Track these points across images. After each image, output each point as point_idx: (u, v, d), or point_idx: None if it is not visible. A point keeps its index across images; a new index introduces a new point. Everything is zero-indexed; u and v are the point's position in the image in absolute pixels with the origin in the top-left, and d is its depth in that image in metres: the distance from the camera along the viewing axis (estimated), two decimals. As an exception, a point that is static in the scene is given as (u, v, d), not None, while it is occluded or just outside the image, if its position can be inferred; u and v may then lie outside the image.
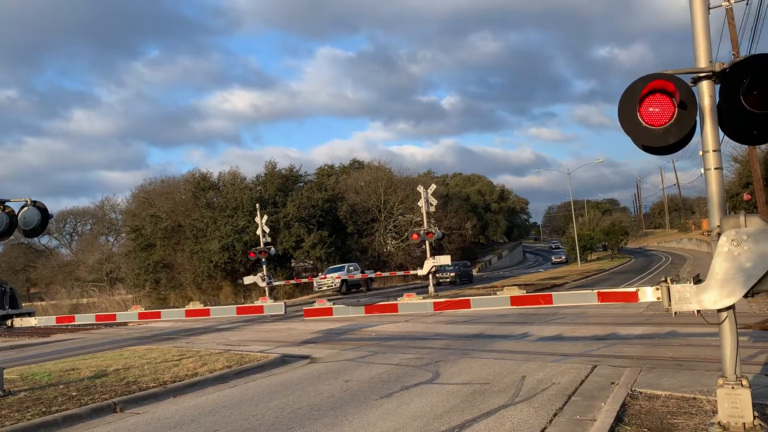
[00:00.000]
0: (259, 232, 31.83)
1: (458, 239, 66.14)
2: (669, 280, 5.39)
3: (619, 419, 6.12)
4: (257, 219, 32.06)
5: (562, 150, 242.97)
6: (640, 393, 7.14)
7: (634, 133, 5.31)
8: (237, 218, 46.06)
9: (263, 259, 31.21)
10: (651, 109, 5.12)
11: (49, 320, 12.29)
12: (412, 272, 34.42)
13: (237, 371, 10.69)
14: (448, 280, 44.57)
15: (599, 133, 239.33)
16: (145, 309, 11.03)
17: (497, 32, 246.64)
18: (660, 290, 5.43)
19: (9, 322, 9.90)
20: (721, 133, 5.44)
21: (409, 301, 7.35)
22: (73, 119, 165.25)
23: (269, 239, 32.96)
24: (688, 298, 5.16)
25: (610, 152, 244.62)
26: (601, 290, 6.12)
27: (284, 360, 11.91)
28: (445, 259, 30.08)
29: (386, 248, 57.13)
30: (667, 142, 5.20)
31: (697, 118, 5.23)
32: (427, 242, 29.69)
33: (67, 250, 75.42)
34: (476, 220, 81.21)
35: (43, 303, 55.13)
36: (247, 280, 32.65)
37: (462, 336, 14.36)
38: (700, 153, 5.25)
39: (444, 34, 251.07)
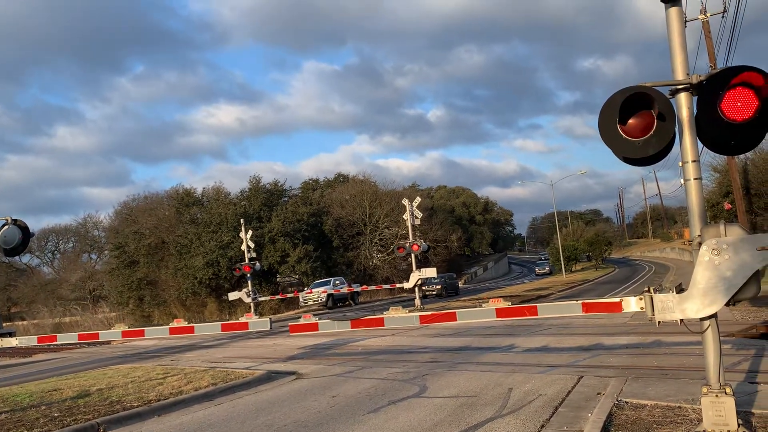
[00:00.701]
0: (243, 247, 31.66)
1: (444, 251, 66.25)
2: (652, 290, 5.44)
3: (605, 430, 6.14)
4: (242, 234, 31.90)
5: (547, 161, 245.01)
6: (626, 403, 7.16)
7: (614, 144, 5.38)
8: (221, 234, 45.82)
9: (248, 275, 31.03)
10: (631, 120, 5.19)
11: (30, 340, 12.09)
12: (398, 285, 34.33)
13: (222, 389, 10.59)
14: (434, 292, 44.61)
15: (583, 143, 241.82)
16: (129, 327, 10.90)
17: (483, 45, 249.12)
18: (643, 300, 5.48)
19: (-11, 343, 9.73)
20: (701, 144, 5.54)
21: (395, 314, 7.33)
22: (57, 136, 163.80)
23: (254, 254, 32.78)
24: (671, 307, 5.21)
25: (594, 163, 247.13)
26: (586, 301, 6.16)
27: (270, 376, 11.81)
28: (431, 272, 30.09)
29: (372, 261, 57.10)
30: (647, 153, 5.28)
31: (676, 130, 5.32)
32: (412, 255, 29.69)
33: (49, 268, 74.56)
34: (461, 232, 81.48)
35: (25, 322, 54.30)
36: (232, 296, 32.40)
37: (449, 349, 14.35)
38: (680, 164, 5.33)
39: (430, 47, 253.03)
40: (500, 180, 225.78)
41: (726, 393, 5.14)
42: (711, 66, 26.39)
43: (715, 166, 38.63)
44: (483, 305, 6.91)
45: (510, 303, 6.75)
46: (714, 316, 5.17)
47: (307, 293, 39.51)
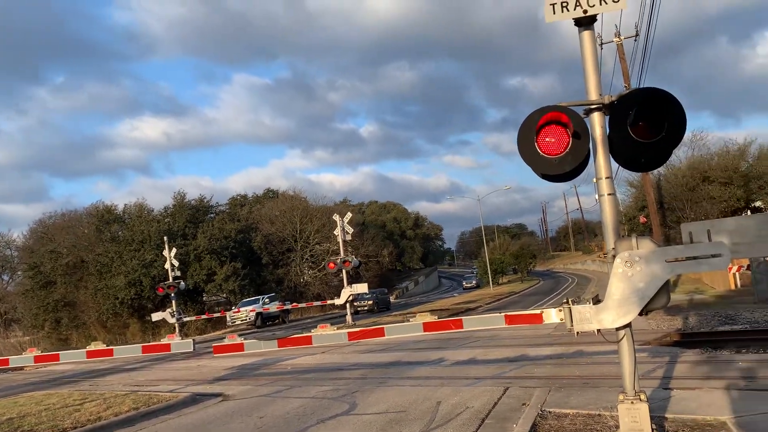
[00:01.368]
0: (167, 265, 30.68)
1: (375, 267, 66.43)
2: (571, 302, 5.62)
3: (530, 440, 6.28)
4: (165, 252, 30.92)
5: (476, 176, 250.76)
6: (550, 413, 7.35)
7: (533, 162, 5.56)
8: (144, 252, 44.26)
9: (172, 294, 30.05)
10: (547, 139, 5.38)
11: (-69, 369, 11.26)
12: (329, 302, 34.13)
13: (144, 413, 10.16)
14: (366, 308, 44.56)
15: (510, 159, 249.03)
16: (43, 351, 10.33)
17: (414, 62, 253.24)
18: (563, 312, 5.65)
19: None
20: (615, 161, 5.81)
21: (323, 332, 7.27)
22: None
23: (179, 273, 31.81)
24: (588, 318, 5.38)
25: (520, 178, 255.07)
26: (508, 313, 6.31)
27: (195, 399, 11.44)
28: (362, 288, 30.07)
29: (303, 278, 56.54)
30: (563, 170, 5.48)
31: (591, 147, 5.56)
32: (344, 271, 29.61)
33: (-45, 291, 69.68)
34: (392, 247, 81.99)
35: (-73, 350, 50.44)
36: (156, 316, 31.29)
37: (379, 364, 14.34)
38: (594, 180, 5.56)
39: (363, 63, 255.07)
40: (431, 195, 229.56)
41: (641, 399, 5.35)
42: (626, 86, 27.85)
43: (632, 181, 40.64)
44: (411, 320, 6.97)
45: (437, 317, 6.83)
46: (628, 325, 5.38)
47: (234, 312, 38.65)
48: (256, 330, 36.73)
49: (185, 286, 33.52)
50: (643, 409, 5.31)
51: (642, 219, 35.48)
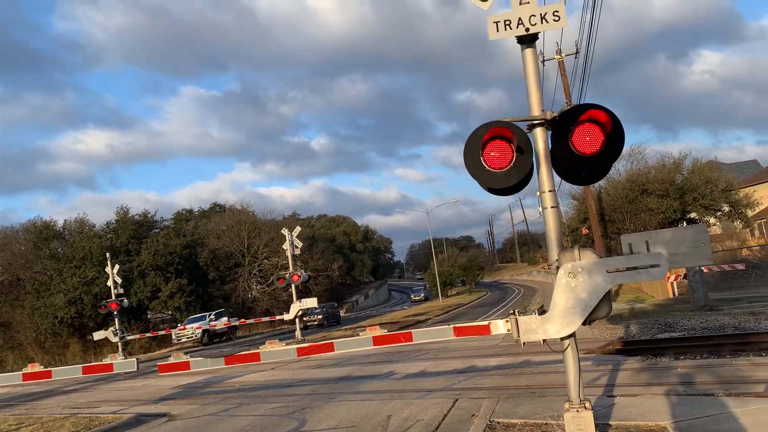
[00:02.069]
0: (110, 283, 29.73)
1: (325, 281, 66.04)
2: (517, 313, 5.72)
3: (479, 451, 6.33)
4: (108, 269, 29.97)
5: (426, 189, 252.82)
6: (498, 423, 7.44)
7: (479, 175, 5.67)
8: (85, 269, 42.77)
9: (115, 312, 29.13)
10: (492, 153, 5.49)
11: None
12: (278, 317, 33.68)
13: (85, 437, 9.78)
14: (315, 322, 44.22)
15: (459, 172, 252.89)
16: (-26, 376, 9.83)
17: (366, 75, 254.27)
18: (510, 322, 5.75)
19: None
20: (557, 175, 5.97)
21: (271, 348, 7.18)
22: None
23: (122, 290, 30.88)
24: (534, 328, 5.49)
25: (469, 191, 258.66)
26: (457, 325, 6.37)
27: (139, 420, 11.08)
28: (311, 302, 29.82)
29: (251, 294, 55.69)
30: (508, 183, 5.61)
31: (534, 162, 5.71)
32: (293, 286, 29.31)
33: None
34: (342, 260, 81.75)
35: None
36: (97, 335, 30.21)
37: (329, 380, 14.23)
38: (537, 193, 5.71)
39: (314, 75, 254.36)
40: (382, 208, 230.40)
41: (586, 408, 5.48)
42: (567, 102, 28.66)
43: (574, 194, 41.76)
44: (360, 334, 6.95)
45: (386, 330, 6.84)
46: (573, 335, 5.51)
47: (180, 330, 37.70)
48: (203, 347, 35.94)
49: (129, 303, 32.55)
50: (588, 417, 5.44)
51: (584, 230, 36.49)
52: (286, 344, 7.61)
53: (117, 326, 29.09)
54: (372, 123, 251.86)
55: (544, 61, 31.52)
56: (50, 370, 9.23)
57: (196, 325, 37.73)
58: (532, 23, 5.61)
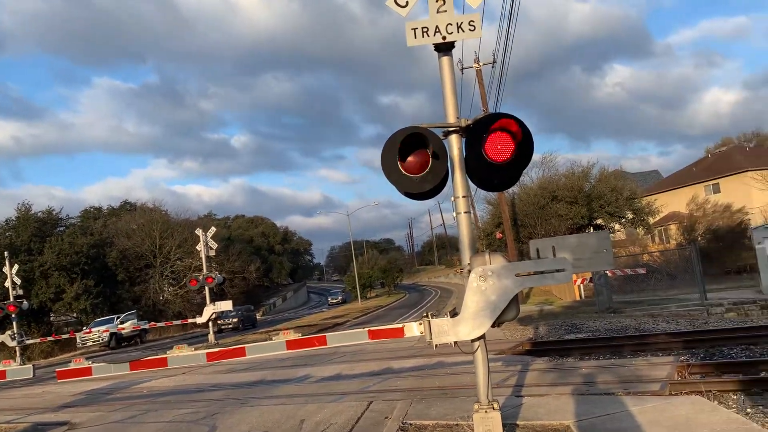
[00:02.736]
0: (8, 283, 27.89)
1: (241, 283, 64.73)
2: (430, 315, 5.80)
3: (391, 453, 6.37)
4: (6, 269, 28.12)
5: (350, 191, 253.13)
6: (410, 424, 7.52)
7: (396, 180, 5.71)
8: (-20, 269, 39.99)
9: (13, 315, 27.33)
10: (409, 159, 5.56)
11: None
12: (191, 320, 32.69)
13: (-27, 450, 9.12)
14: (231, 326, 43.26)
15: (383, 175, 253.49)
16: None
17: (292, 73, 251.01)
18: (423, 325, 5.81)
19: None
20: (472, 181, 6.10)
21: (179, 353, 6.94)
22: None
23: (21, 291, 29.04)
24: (446, 330, 5.57)
25: (392, 194, 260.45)
26: (372, 328, 6.39)
27: (36, 429, 10.46)
28: (226, 305, 29.11)
29: (163, 296, 53.81)
30: (423, 189, 5.68)
31: (449, 168, 5.81)
32: (207, 288, 28.54)
33: None
34: (260, 262, 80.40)
35: None
36: (-7, 340, 28.29)
37: (242, 384, 13.94)
38: (452, 199, 5.81)
39: (238, 71, 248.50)
40: (304, 209, 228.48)
41: (494, 408, 5.61)
42: (483, 110, 29.49)
43: (489, 199, 42.99)
44: (274, 338, 6.84)
45: (300, 334, 6.76)
46: (483, 337, 5.64)
47: (85, 333, 35.94)
48: (110, 351, 34.39)
49: (29, 305, 30.64)
50: (496, 417, 5.58)
51: (498, 235, 37.61)
52: (195, 349, 7.38)
53: (15, 330, 27.30)
54: (296, 122, 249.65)
55: (462, 69, 32.30)
56: (-66, 379, 8.54)
57: (103, 328, 36.12)
58: (449, 32, 5.71)
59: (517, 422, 7.09)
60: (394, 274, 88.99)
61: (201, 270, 30.24)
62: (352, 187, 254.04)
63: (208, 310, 27.70)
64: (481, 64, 31.57)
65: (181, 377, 16.33)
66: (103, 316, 40.74)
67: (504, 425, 5.71)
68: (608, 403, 7.67)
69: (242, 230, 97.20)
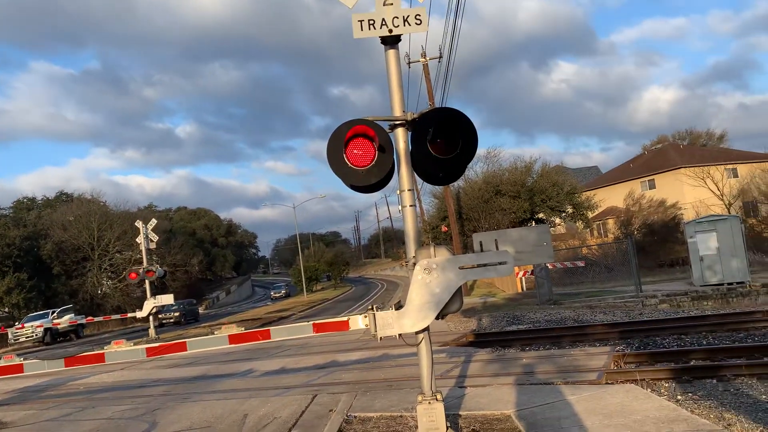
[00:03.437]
0: (-67, 278, 26.54)
1: (183, 276, 63.41)
2: (375, 308, 5.81)
3: (335, 446, 6.37)
4: (-69, 262, 26.73)
5: (297, 183, 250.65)
6: (355, 417, 7.54)
7: (342, 173, 5.68)
8: None
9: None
10: (355, 151, 5.54)
11: None
12: (131, 315, 31.82)
13: None
14: (172, 320, 42.38)
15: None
16: None
17: (240, 62, 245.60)
18: (368, 318, 5.82)
19: None
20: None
21: (118, 348, 6.75)
22: None
23: (-52, 286, 27.67)
24: (390, 323, 5.59)
25: (340, 187, 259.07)
26: (316, 321, 6.36)
27: (-37, 431, 9.97)
28: (167, 299, 28.51)
29: (101, 290, 52.19)
30: (369, 181, 5.67)
31: (395, 161, 5.82)
32: (147, 281, 27.83)
33: None
34: (203, 255, 78.96)
35: None
36: None
37: (184, 379, 13.67)
38: (398, 192, 5.83)
39: (183, 58, 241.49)
40: (250, 201, 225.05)
41: (437, 399, 5.68)
42: (430, 104, 29.70)
43: (435, 193, 43.40)
44: (216, 332, 6.73)
45: (243, 328, 6.67)
46: (426, 329, 5.69)
47: (18, 328, 34.50)
48: (45, 347, 33.13)
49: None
50: (439, 408, 5.65)
51: (444, 228, 38.02)
52: (134, 344, 7.18)
53: (-60, 326, 26.01)
54: (243, 113, 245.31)
55: (409, 63, 32.42)
56: None
57: (37, 323, 34.75)
58: (395, 25, 5.71)
59: (460, 412, 7.20)
60: (340, 267, 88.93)
61: (141, 263, 29.48)
62: (301, 179, 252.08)
63: (149, 304, 27.05)
64: (427, 58, 31.75)
65: (120, 373, 15.89)
66: (37, 311, 39.19)
67: (447, 416, 5.78)
68: (548, 392, 7.88)
69: (184, 222, 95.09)
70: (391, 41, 5.85)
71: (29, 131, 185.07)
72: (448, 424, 5.76)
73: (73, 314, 38.02)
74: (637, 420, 6.16)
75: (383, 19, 5.71)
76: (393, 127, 5.83)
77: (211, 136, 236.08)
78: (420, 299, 5.45)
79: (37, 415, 10.87)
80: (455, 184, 37.80)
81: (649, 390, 7.75)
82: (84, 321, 36.74)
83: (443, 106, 6.19)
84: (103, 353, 6.68)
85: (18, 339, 34.56)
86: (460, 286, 5.53)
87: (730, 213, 37.26)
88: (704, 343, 11.37)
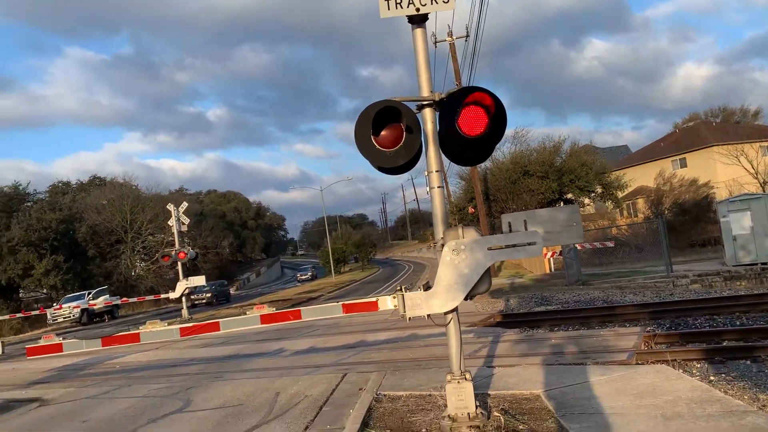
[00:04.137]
0: (-26, 260, 27.39)
1: (215, 258, 64.39)
2: (404, 289, 5.86)
3: (365, 424, 6.47)
4: (-28, 245, 27.57)
5: (326, 166, 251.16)
6: (384, 395, 7.63)
7: (370, 155, 5.70)
8: (-56, 245, 39.17)
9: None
10: (382, 133, 5.55)
11: None
12: (163, 296, 32.50)
13: (-58, 428, 9.01)
14: (204, 301, 43.14)
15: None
16: None
17: (270, 45, 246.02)
18: (397, 299, 5.87)
19: None
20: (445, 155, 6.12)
21: (152, 329, 6.92)
22: None
23: (-12, 268, 28.54)
24: (419, 304, 5.64)
25: (368, 169, 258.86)
26: (346, 302, 6.44)
27: (8, 406, 10.34)
28: (199, 280, 29.04)
29: (134, 271, 53.29)
30: (397, 163, 5.69)
31: (423, 142, 5.82)
32: (179, 263, 28.35)
33: None
34: (233, 237, 79.95)
35: None
36: (-40, 317, 27.82)
37: (217, 358, 13.95)
38: (425, 173, 5.84)
39: (214, 42, 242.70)
40: (280, 184, 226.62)
41: (466, 379, 5.73)
42: (457, 84, 29.41)
43: (462, 174, 43.17)
44: (248, 312, 6.85)
45: (275, 309, 6.78)
46: (455, 310, 5.73)
47: (56, 309, 35.48)
48: (82, 327, 34.04)
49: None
50: (468, 387, 5.70)
51: (470, 209, 37.85)
52: (168, 324, 7.36)
53: (-18, 307, 26.89)
54: (273, 96, 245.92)
55: (436, 43, 32.10)
56: None
57: (74, 304, 35.67)
58: (422, 3, 5.68)
59: (489, 392, 7.24)
60: (367, 248, 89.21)
61: (173, 245, 29.99)
62: (329, 161, 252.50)
63: (181, 285, 27.56)
64: (454, 37, 31.39)
65: (154, 353, 16.27)
66: (73, 292, 40.24)
67: (476, 395, 5.83)
68: (577, 372, 7.87)
69: (215, 205, 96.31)
70: (418, 20, 5.82)
71: (65, 116, 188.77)
72: (477, 403, 5.81)
73: (108, 295, 38.96)
74: (669, 401, 6.13)
75: (410, -1, 5.67)
76: (421, 108, 5.82)
77: (240, 119, 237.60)
78: (449, 280, 5.47)
79: (77, 392, 11.22)
80: (482, 165, 37.54)
81: (680, 371, 7.68)
82: (119, 302, 37.62)
83: (471, 85, 6.15)
84: (138, 333, 6.86)
85: (56, 319, 35.55)
86: (489, 267, 5.53)
87: (765, 191, 36.38)
88: (737, 323, 11.20)
